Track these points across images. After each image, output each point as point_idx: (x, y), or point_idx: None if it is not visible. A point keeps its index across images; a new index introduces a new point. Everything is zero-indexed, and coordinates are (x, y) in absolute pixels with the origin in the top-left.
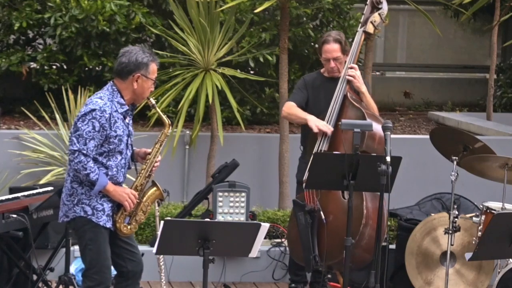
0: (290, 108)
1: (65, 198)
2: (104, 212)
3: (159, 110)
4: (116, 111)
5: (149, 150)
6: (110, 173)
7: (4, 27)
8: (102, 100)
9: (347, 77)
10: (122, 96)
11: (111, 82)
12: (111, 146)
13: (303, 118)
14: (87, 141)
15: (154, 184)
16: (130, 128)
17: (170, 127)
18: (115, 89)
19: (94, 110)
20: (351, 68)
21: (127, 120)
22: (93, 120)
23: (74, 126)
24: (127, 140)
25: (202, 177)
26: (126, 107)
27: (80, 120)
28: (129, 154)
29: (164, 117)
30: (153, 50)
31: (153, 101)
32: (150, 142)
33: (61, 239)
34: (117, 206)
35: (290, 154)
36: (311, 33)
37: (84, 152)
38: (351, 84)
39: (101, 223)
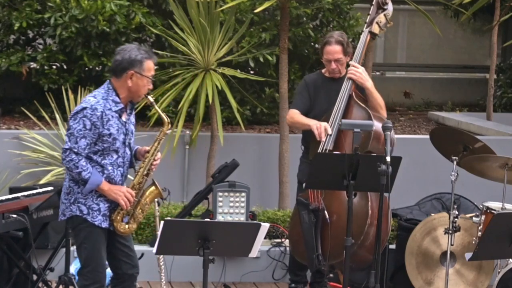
0: (293, 117)
1: (63, 196)
2: (100, 212)
3: (158, 108)
4: (110, 109)
5: (148, 148)
6: (105, 171)
7: (4, 27)
8: (95, 98)
9: (349, 75)
10: (117, 94)
11: (108, 80)
12: (105, 145)
13: (306, 124)
14: (78, 139)
15: (153, 183)
16: (130, 126)
17: (170, 125)
18: (111, 88)
19: (85, 108)
20: (353, 66)
21: (123, 118)
22: (84, 119)
23: (68, 124)
24: (124, 139)
25: (202, 177)
26: (121, 105)
27: (72, 118)
28: (128, 152)
29: (163, 115)
30: (153, 50)
31: (152, 99)
32: (150, 142)
33: (61, 239)
34: (116, 206)
35: (290, 154)
36: (311, 33)
37: (75, 150)
38: (356, 83)
39: (96, 223)
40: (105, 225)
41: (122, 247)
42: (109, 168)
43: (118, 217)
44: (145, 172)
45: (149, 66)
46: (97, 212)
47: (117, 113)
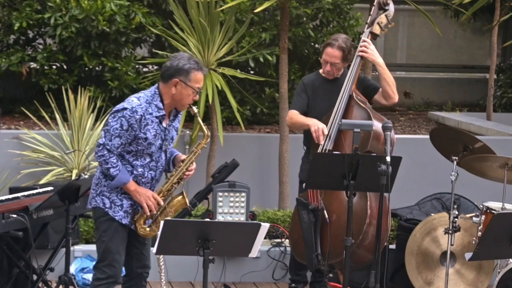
0: (292, 118)
1: (93, 186)
2: (122, 207)
3: (200, 121)
4: (151, 114)
5: (184, 157)
6: (135, 172)
7: (4, 27)
8: (138, 100)
9: (359, 53)
10: (162, 100)
11: (157, 84)
12: (139, 147)
13: (305, 124)
14: (113, 137)
15: (181, 192)
16: (172, 132)
17: (208, 139)
18: (157, 92)
19: (125, 108)
20: (365, 42)
21: (164, 124)
22: (122, 119)
23: (107, 119)
24: (161, 144)
25: (202, 177)
26: (163, 112)
27: (112, 115)
28: (163, 157)
29: (204, 127)
30: (153, 50)
31: (196, 110)
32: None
33: (61, 239)
34: (140, 206)
35: (290, 154)
36: (311, 33)
37: (108, 147)
38: (357, 84)
39: (116, 218)
40: (125, 221)
41: (139, 245)
42: (139, 169)
43: (141, 220)
44: (176, 181)
45: (196, 77)
46: (119, 208)
47: (157, 119)
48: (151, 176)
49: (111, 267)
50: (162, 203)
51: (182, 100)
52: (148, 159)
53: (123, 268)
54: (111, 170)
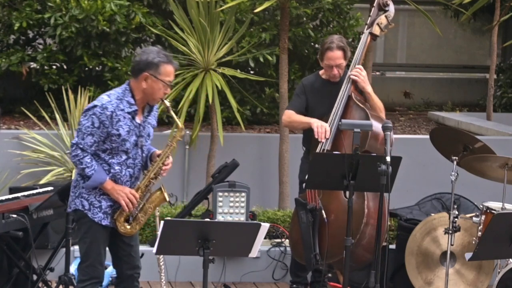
0: (290, 116)
1: (71, 189)
2: (101, 209)
3: (173, 114)
4: (123, 110)
5: (159, 152)
6: (112, 170)
7: (4, 27)
8: (108, 97)
9: (352, 77)
10: (133, 96)
11: (128, 81)
12: (113, 145)
13: (306, 122)
14: (85, 136)
15: (160, 188)
16: (147, 129)
17: (183, 132)
18: (128, 88)
19: (96, 106)
20: (358, 69)
21: (138, 120)
22: (93, 116)
23: (79, 119)
24: (136, 141)
25: (202, 177)
26: (134, 107)
27: (83, 114)
28: (140, 154)
29: (177, 120)
30: None
31: (168, 104)
32: (154, 143)
33: (61, 239)
34: (120, 205)
35: (290, 154)
36: (311, 33)
37: (81, 146)
38: (355, 85)
39: (96, 219)
40: (105, 222)
41: (125, 246)
42: (116, 167)
43: (121, 218)
44: (152, 176)
45: (166, 70)
46: (97, 209)
47: (130, 115)
48: (129, 174)
49: (92, 268)
50: (139, 199)
51: (154, 94)
52: (124, 157)
53: (115, 271)
54: (86, 170)
